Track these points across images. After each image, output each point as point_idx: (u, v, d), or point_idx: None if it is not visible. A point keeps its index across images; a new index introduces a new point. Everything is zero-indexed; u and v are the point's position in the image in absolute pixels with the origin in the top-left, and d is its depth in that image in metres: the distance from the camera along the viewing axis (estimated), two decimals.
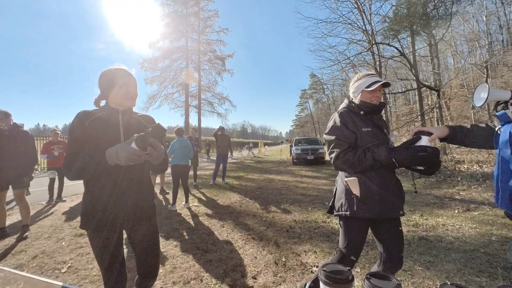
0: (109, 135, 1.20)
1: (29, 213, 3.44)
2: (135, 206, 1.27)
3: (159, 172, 1.36)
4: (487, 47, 14.97)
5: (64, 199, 5.46)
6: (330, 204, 1.69)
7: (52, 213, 4.52)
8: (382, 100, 1.56)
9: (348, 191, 1.52)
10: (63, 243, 3.10)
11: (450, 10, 8.82)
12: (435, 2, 8.81)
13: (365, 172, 1.45)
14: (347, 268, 0.58)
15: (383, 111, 1.61)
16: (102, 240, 1.21)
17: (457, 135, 1.30)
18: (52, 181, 5.29)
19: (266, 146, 36.01)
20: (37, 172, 10.27)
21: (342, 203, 1.54)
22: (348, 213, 1.49)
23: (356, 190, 1.46)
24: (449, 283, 0.50)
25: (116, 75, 1.24)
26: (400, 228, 1.50)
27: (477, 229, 3.28)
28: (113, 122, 1.24)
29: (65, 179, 5.44)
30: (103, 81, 1.26)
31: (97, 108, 1.30)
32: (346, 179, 1.54)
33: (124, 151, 1.01)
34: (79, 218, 4.16)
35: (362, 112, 1.53)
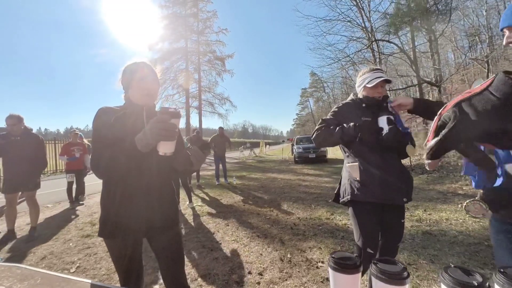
0: (134, 135, 1.09)
1: (38, 215, 3.50)
2: (158, 213, 1.19)
3: (186, 173, 1.25)
4: (487, 41, 14.91)
5: (82, 202, 5.36)
6: (335, 192, 1.73)
7: (57, 214, 4.58)
8: (386, 94, 1.61)
9: (350, 177, 1.58)
10: (71, 244, 3.14)
11: (450, 5, 8.80)
12: None
13: (366, 157, 1.52)
14: (355, 255, 0.60)
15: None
16: (120, 248, 1.16)
17: (418, 107, 1.37)
18: (70, 184, 5.14)
19: (268, 146, 35.97)
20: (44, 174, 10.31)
21: (345, 188, 1.60)
22: (349, 197, 1.54)
23: (356, 174, 1.52)
24: (452, 265, 0.51)
25: (133, 69, 1.17)
26: (403, 221, 1.54)
27: (481, 223, 3.29)
28: (138, 119, 1.16)
29: (85, 181, 5.37)
30: (123, 76, 1.20)
31: (120, 104, 1.24)
32: (348, 164, 1.62)
33: (150, 125, 0.92)
34: (85, 219, 4.22)
35: (364, 105, 1.60)
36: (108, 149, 1.03)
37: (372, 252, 1.47)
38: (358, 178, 1.51)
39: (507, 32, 0.96)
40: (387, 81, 1.55)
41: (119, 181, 1.11)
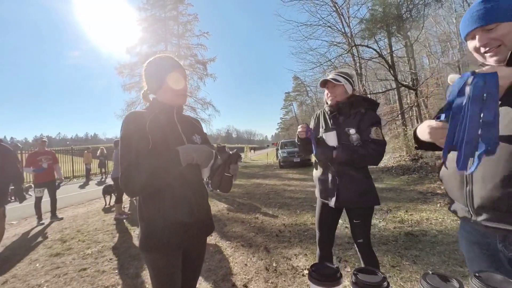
0: (171, 137, 1.06)
1: (2, 235, 3.16)
2: (202, 219, 1.14)
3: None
4: (458, 47, 15.82)
5: (60, 216, 4.94)
6: None
7: (23, 232, 4.22)
8: (342, 100, 1.65)
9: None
10: (37, 265, 2.87)
11: (422, 12, 9.26)
12: (408, 4, 9.23)
13: (319, 162, 1.73)
14: (336, 266, 0.60)
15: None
16: (170, 262, 1.05)
17: None
18: (39, 199, 4.67)
19: (252, 151, 35.94)
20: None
21: None
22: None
23: (315, 178, 1.79)
24: (430, 272, 0.53)
25: (162, 67, 1.07)
26: (355, 221, 1.63)
27: (458, 221, 3.35)
28: (170, 121, 1.10)
29: (57, 193, 4.92)
30: (149, 74, 1.09)
31: (147, 105, 1.15)
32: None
33: (202, 148, 1.01)
34: (54, 236, 3.90)
35: (328, 114, 1.72)
36: (146, 162, 0.93)
37: (319, 233, 1.76)
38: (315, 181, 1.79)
39: (477, 35, 0.85)
40: (324, 82, 1.64)
41: (164, 191, 1.02)
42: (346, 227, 3.52)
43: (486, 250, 0.84)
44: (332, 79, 1.58)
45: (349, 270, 2.37)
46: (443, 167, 0.93)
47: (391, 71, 10.58)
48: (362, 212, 1.61)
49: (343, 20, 12.32)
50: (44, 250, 3.30)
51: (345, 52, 12.50)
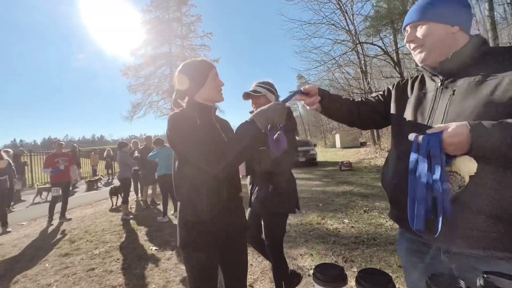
0: (214, 136, 1.08)
1: None
2: (240, 216, 1.16)
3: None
4: None
5: (69, 217, 5.05)
6: None
7: (33, 233, 4.30)
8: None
9: None
10: (47, 265, 2.92)
11: None
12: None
13: None
14: (341, 266, 0.60)
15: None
16: (211, 260, 1.06)
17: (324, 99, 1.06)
18: (55, 199, 4.81)
19: None
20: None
21: None
22: None
23: None
24: (437, 272, 0.53)
25: (203, 65, 1.11)
26: (262, 222, 1.79)
27: None
28: (210, 120, 1.10)
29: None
30: (188, 75, 1.08)
31: (181, 108, 1.13)
32: None
33: (276, 105, 0.94)
34: (64, 236, 3.95)
35: None
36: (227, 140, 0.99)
37: None
38: None
39: (408, 30, 0.88)
40: (245, 95, 1.68)
41: (205, 188, 1.01)
42: (352, 226, 3.49)
43: (428, 258, 0.82)
44: (252, 91, 1.64)
45: (355, 270, 2.35)
46: (386, 174, 0.93)
47: (397, 68, 10.46)
48: (267, 216, 1.74)
49: (347, 17, 12.21)
50: (53, 250, 3.36)
51: (350, 50, 12.40)
